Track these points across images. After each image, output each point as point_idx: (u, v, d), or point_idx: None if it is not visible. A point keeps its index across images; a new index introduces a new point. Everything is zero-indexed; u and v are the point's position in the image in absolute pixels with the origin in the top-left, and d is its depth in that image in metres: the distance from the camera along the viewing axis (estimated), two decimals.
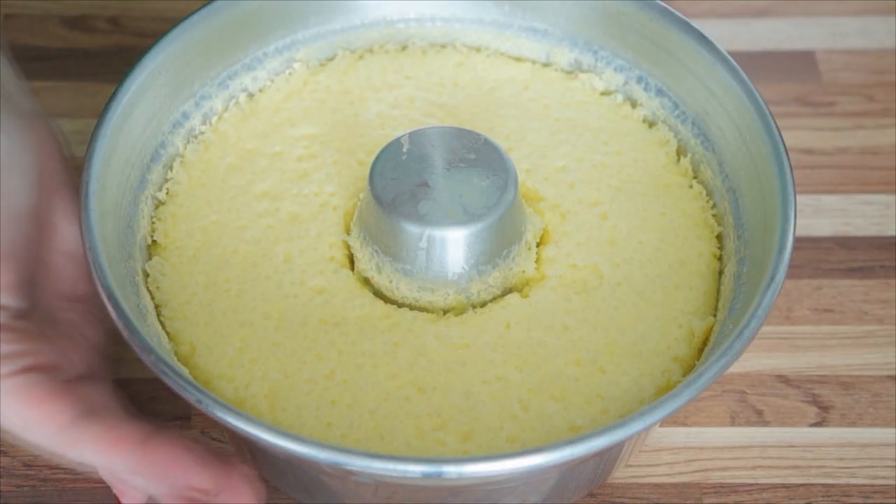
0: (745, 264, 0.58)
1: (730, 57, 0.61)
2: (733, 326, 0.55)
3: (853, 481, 0.62)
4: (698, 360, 0.58)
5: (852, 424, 0.64)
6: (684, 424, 0.64)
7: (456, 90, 0.65)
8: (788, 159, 0.58)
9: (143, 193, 0.61)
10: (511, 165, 0.58)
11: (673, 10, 0.63)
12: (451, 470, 0.50)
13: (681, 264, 0.60)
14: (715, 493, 0.62)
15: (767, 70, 0.78)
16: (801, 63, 0.79)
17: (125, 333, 0.53)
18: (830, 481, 0.62)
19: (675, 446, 0.63)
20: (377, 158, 0.58)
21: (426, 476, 0.50)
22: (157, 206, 0.62)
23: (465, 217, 0.57)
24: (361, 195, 0.60)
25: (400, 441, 0.55)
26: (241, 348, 0.57)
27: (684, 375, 0.57)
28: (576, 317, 0.58)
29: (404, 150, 0.58)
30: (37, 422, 0.52)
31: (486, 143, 0.59)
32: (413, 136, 0.59)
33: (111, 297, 0.54)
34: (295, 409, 0.56)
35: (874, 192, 0.73)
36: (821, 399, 0.65)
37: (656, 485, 0.62)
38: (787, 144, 0.59)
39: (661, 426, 0.63)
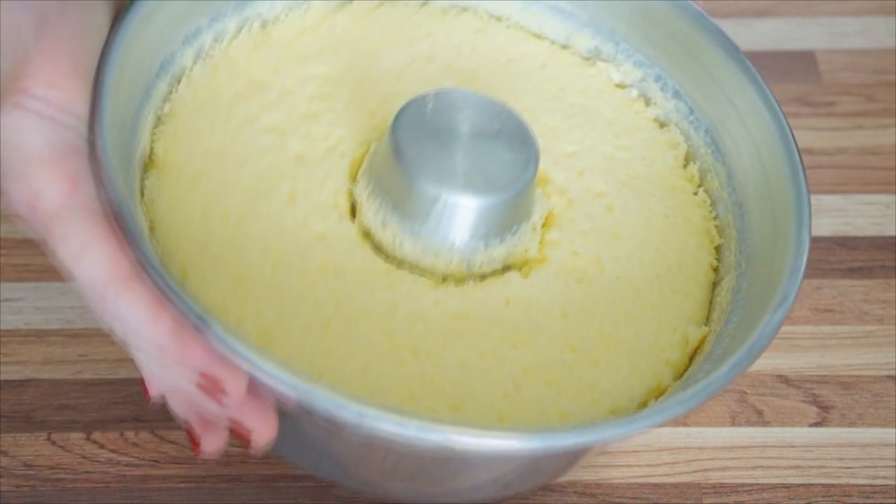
0: (745, 279, 0.58)
1: (757, 74, 0.60)
2: (730, 339, 0.55)
3: (853, 481, 0.62)
4: (689, 367, 0.57)
5: (852, 424, 0.64)
6: (684, 424, 0.64)
7: (474, 56, 0.64)
8: (807, 183, 0.58)
9: (146, 106, 0.58)
10: (534, 143, 0.57)
11: (707, 15, 0.62)
12: (456, 439, 0.49)
13: (679, 269, 0.60)
14: (715, 493, 0.62)
15: (767, 70, 0.78)
16: (801, 63, 0.79)
17: (132, 250, 0.51)
18: (830, 481, 0.62)
19: (675, 446, 0.63)
20: (401, 112, 0.57)
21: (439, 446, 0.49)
22: (158, 123, 0.59)
23: (486, 187, 0.56)
24: (373, 146, 0.58)
25: (389, 402, 0.53)
26: (235, 280, 0.55)
27: (674, 380, 0.57)
28: (574, 305, 0.58)
29: (429, 108, 0.57)
30: (99, 260, 0.50)
31: (512, 116, 0.58)
32: (439, 96, 0.57)
33: (120, 212, 0.51)
34: (288, 355, 0.54)
35: (874, 192, 0.73)
36: (821, 399, 0.65)
37: (656, 485, 0.62)
38: None
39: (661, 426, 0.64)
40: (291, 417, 0.53)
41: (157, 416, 0.63)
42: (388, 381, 0.54)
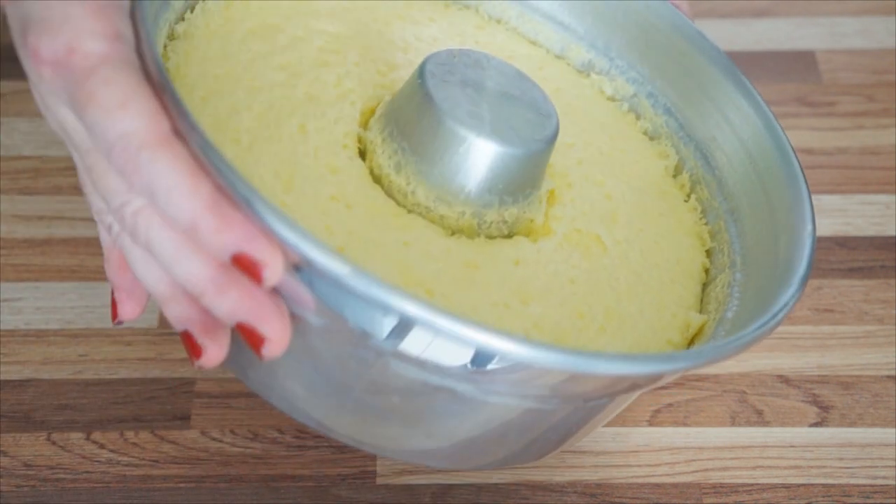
0: (741, 275, 0.58)
1: (753, 89, 0.61)
2: (731, 324, 0.55)
3: (853, 481, 0.62)
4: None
5: (852, 424, 0.64)
6: (684, 424, 0.64)
7: (477, 48, 0.64)
8: (807, 184, 0.58)
9: (163, 15, 0.57)
10: (554, 110, 0.57)
11: (706, 35, 0.62)
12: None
13: (676, 262, 0.60)
14: (715, 493, 0.62)
15: (767, 70, 0.78)
16: (801, 63, 0.79)
17: (177, 109, 0.48)
18: (830, 481, 0.62)
19: (675, 446, 0.63)
20: (426, 61, 0.56)
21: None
22: (171, 39, 0.59)
23: (510, 137, 0.55)
24: (388, 97, 0.58)
25: None
26: None
27: None
28: (581, 274, 0.58)
29: (455, 61, 0.57)
30: (139, 115, 0.47)
31: (534, 84, 0.58)
32: (463, 52, 0.58)
33: (164, 72, 0.49)
34: None
35: (874, 192, 0.73)
36: (821, 399, 0.65)
37: (656, 485, 0.62)
38: None
39: (661, 426, 0.64)
40: (301, 333, 0.51)
41: (157, 416, 0.63)
42: None
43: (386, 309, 0.48)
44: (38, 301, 0.67)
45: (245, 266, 0.47)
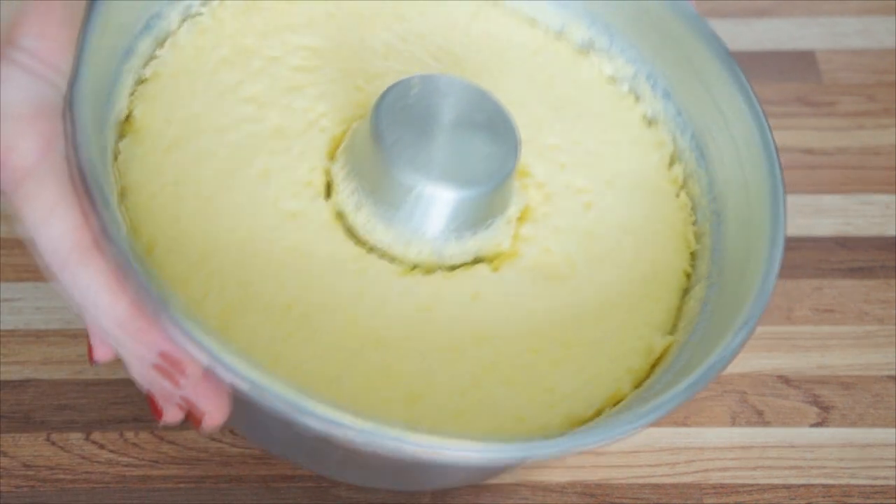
0: (714, 290, 0.58)
1: (749, 85, 0.60)
2: (693, 352, 0.55)
3: (854, 482, 0.62)
4: (649, 376, 0.57)
5: (853, 425, 0.64)
6: (685, 425, 0.64)
7: (467, 40, 0.64)
8: (785, 206, 0.57)
9: (126, 65, 0.57)
10: (516, 136, 0.56)
11: (704, 18, 0.62)
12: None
13: (654, 274, 0.59)
14: (715, 493, 0.62)
15: (767, 70, 0.78)
16: (801, 63, 0.79)
17: (96, 218, 0.50)
18: (831, 482, 0.62)
19: (676, 446, 0.63)
20: (383, 96, 0.56)
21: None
22: (138, 84, 0.58)
23: (462, 179, 0.55)
24: (355, 125, 0.58)
25: (346, 390, 0.53)
26: (202, 256, 0.54)
27: (634, 388, 0.56)
28: (541, 303, 0.57)
29: (413, 93, 0.56)
30: (64, 225, 0.50)
31: (497, 107, 0.57)
32: (425, 80, 0.57)
33: (87, 177, 0.50)
34: (248, 336, 0.53)
35: (874, 192, 0.73)
36: (821, 399, 0.65)
37: (656, 485, 0.62)
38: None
39: (661, 426, 0.63)
40: (247, 401, 0.52)
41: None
42: (346, 370, 0.53)
43: (287, 419, 0.48)
44: (38, 301, 0.67)
45: (165, 369, 0.50)
